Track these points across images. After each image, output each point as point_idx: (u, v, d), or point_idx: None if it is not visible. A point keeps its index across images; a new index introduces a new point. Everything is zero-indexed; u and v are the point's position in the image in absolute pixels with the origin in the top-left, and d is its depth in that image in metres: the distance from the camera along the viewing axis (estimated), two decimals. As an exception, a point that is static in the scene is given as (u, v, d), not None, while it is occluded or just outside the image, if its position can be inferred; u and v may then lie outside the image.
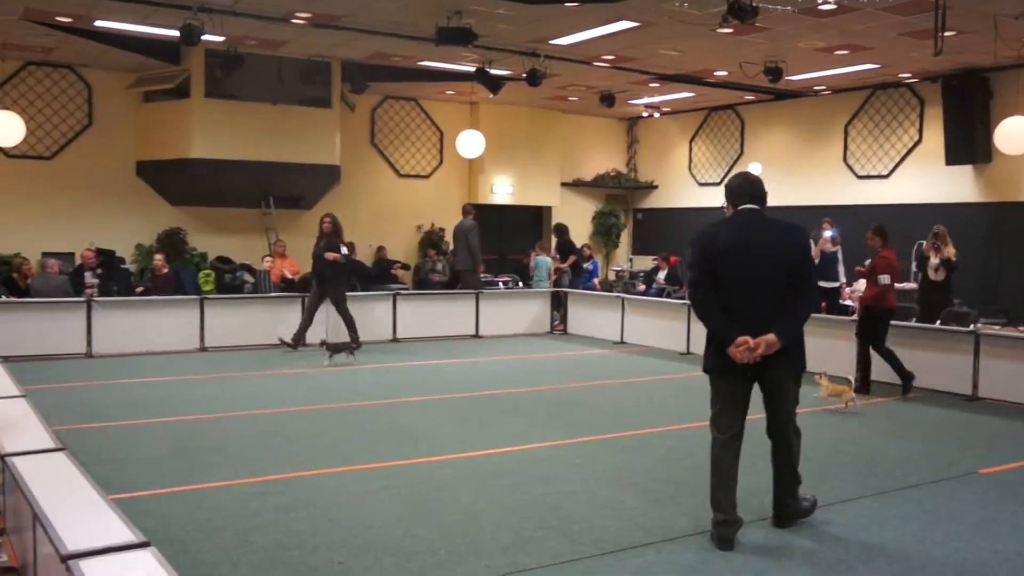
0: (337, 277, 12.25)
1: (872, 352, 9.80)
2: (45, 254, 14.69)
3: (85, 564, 2.49)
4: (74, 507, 3.05)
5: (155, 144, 15.43)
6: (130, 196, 15.67)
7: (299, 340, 12.35)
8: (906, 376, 9.65)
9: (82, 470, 3.51)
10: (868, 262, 9.87)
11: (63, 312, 11.71)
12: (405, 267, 17.44)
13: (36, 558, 3.07)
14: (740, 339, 4.82)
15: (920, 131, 15.74)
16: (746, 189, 5.09)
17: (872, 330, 9.70)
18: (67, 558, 2.52)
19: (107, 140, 15.52)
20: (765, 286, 4.87)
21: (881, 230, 9.84)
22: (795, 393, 5.11)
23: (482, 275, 15.74)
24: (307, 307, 12.46)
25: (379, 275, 16.98)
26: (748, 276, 4.86)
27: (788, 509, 5.26)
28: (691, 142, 20.06)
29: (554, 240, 17.32)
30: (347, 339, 11.88)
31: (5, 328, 11.17)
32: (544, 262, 16.05)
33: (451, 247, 15.19)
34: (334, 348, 11.28)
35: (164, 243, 15.72)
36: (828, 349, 10.50)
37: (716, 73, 15.25)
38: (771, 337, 4.81)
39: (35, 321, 11.47)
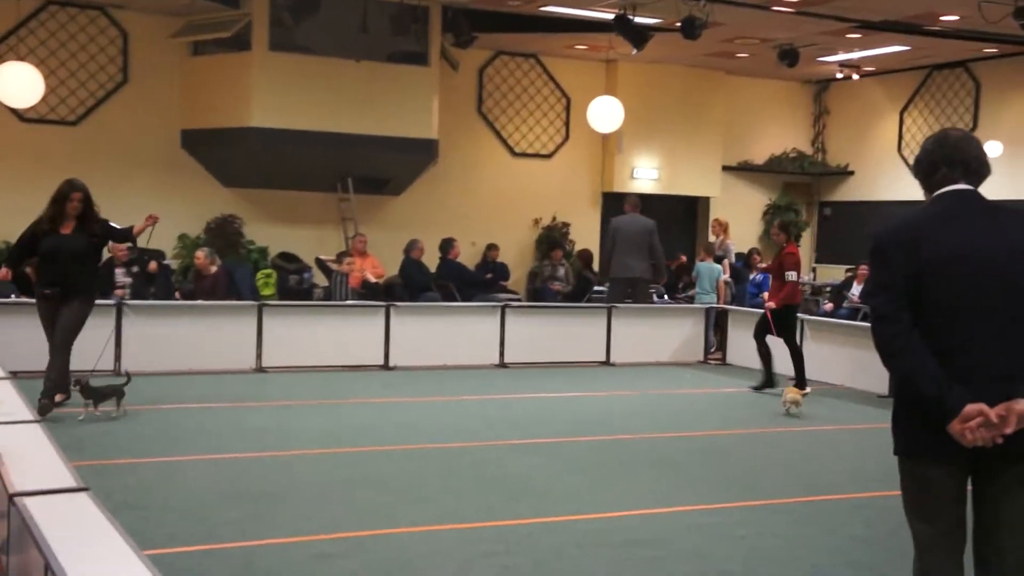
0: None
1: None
2: (67, 245, 15.26)
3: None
4: (98, 563, 3.09)
5: (205, 109, 15.90)
6: (173, 174, 16.18)
7: None
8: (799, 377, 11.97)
9: (109, 516, 3.57)
10: (773, 259, 12.20)
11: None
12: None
13: (49, 625, 3.12)
14: (971, 408, 3.78)
15: None
16: (951, 156, 4.14)
17: (781, 327, 12.20)
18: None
19: (145, 102, 16.08)
20: (1003, 316, 3.93)
21: (786, 225, 12.07)
22: None
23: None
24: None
25: (484, 282, 17.08)
26: (975, 301, 3.94)
27: None
28: (902, 112, 19.57)
29: (714, 239, 17.13)
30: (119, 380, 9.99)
31: (15, 337, 11.57)
32: (709, 269, 15.83)
33: (609, 247, 15.10)
34: (96, 393, 9.52)
35: (214, 234, 16.17)
36: None
37: (943, 18, 14.85)
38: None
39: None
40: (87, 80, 15.82)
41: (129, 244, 11.81)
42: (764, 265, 13.46)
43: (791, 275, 12.14)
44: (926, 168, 4.18)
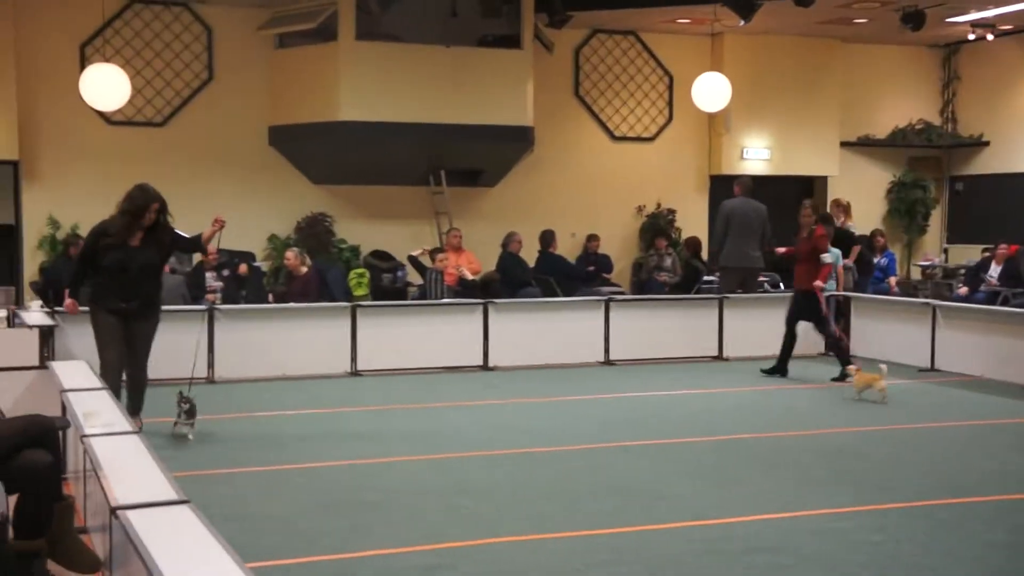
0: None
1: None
2: (157, 249, 15.69)
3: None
4: (203, 576, 3.25)
5: (292, 104, 16.22)
6: (261, 172, 16.55)
7: None
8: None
9: (211, 529, 3.73)
10: (803, 242, 12.77)
11: (178, 322, 12.47)
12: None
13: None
14: None
15: None
16: None
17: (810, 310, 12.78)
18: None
19: (231, 99, 16.47)
20: None
21: (816, 207, 12.99)
22: None
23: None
24: None
25: (586, 275, 17.12)
26: None
27: None
28: (1046, 75, 19.11)
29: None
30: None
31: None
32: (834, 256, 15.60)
33: (722, 233, 14.98)
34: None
35: (305, 234, 16.48)
36: None
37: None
38: None
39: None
40: (172, 79, 16.25)
41: (211, 251, 11.99)
42: (783, 250, 13.83)
43: (827, 257, 12.70)
44: None
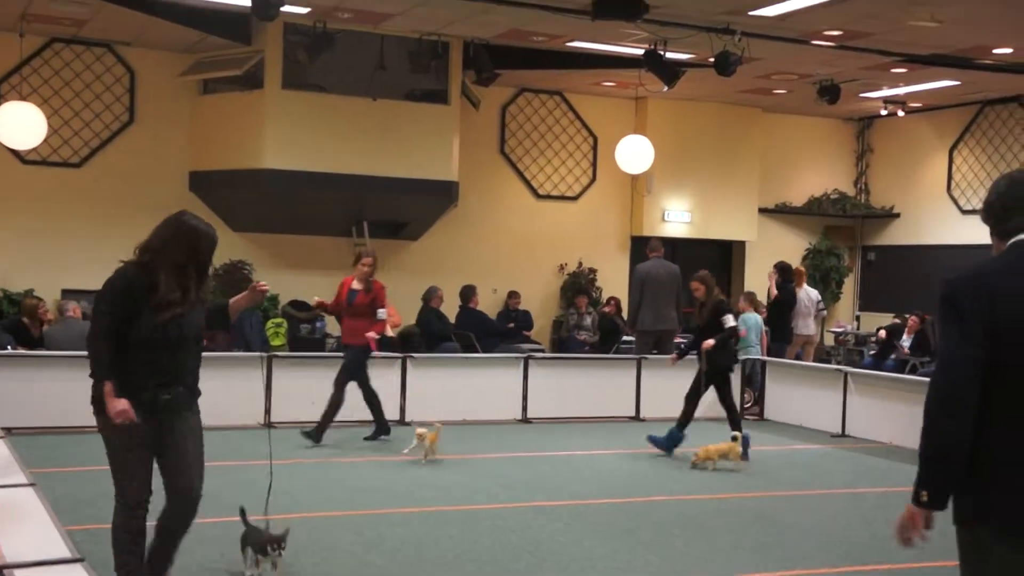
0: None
1: None
2: (66, 292, 15.35)
3: None
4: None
5: (215, 150, 16.02)
6: (180, 218, 16.26)
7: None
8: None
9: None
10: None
11: (84, 370, 12.12)
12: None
13: None
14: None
15: None
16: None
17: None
18: None
19: (153, 143, 16.22)
20: None
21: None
22: None
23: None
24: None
25: (506, 332, 17.05)
26: None
27: None
28: (952, 151, 19.53)
29: (768, 284, 16.89)
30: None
31: (12, 389, 11.63)
32: (756, 321, 15.62)
33: (637, 297, 14.99)
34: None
35: (222, 281, 16.21)
36: None
37: (996, 51, 14.84)
38: None
39: (49, 381, 11.91)
40: (92, 120, 15.97)
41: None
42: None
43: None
44: (998, 212, 3.97)
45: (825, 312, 17.79)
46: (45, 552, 4.02)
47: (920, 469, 3.91)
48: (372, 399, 11.94)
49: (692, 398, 11.88)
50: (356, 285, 11.77)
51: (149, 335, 5.66)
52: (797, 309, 16.48)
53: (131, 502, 5.82)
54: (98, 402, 5.71)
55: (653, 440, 11.93)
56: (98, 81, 15.99)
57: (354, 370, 11.78)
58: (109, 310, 5.75)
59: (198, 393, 6.04)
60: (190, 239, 5.86)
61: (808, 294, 16.79)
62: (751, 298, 16.10)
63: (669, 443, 11.80)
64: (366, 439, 11.90)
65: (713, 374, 11.78)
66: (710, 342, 11.55)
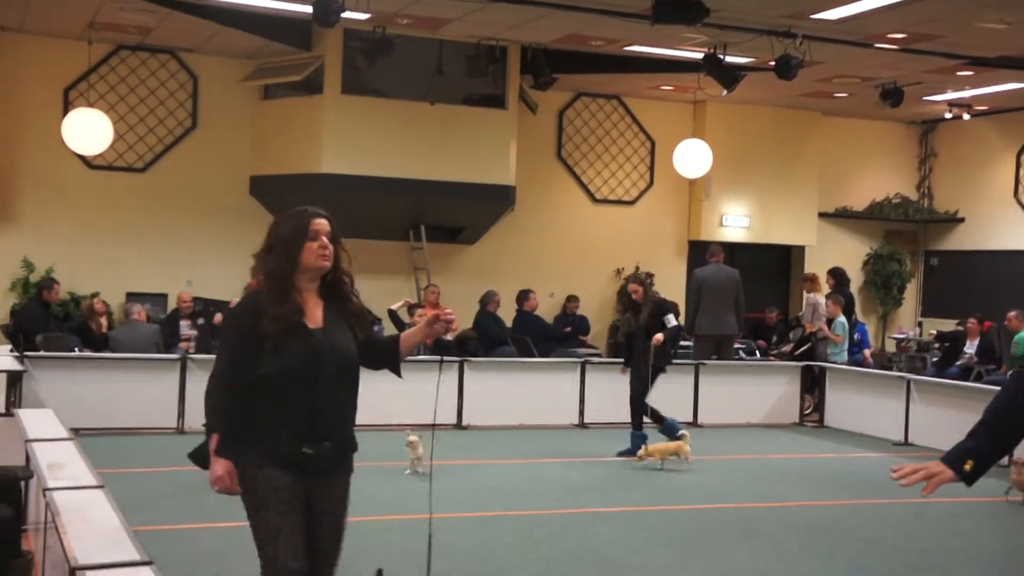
0: None
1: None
2: (130, 296, 15.57)
3: None
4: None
5: (275, 154, 16.15)
6: (241, 222, 16.39)
7: None
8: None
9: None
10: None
11: (150, 372, 12.31)
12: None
13: None
14: None
15: None
16: None
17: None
18: None
19: (214, 148, 16.38)
20: None
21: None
22: None
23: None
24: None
25: (563, 336, 17.04)
26: None
27: None
28: (1020, 155, 19.29)
29: (822, 293, 16.76)
30: None
31: (78, 391, 11.79)
32: (842, 324, 15.39)
33: (695, 301, 14.95)
34: None
35: (281, 285, 16.34)
36: None
37: (1067, 51, 14.63)
38: None
39: (115, 382, 12.08)
40: (156, 126, 16.16)
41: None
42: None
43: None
44: None
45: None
46: (114, 554, 4.07)
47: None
48: None
49: (640, 399, 11.76)
50: None
51: (276, 372, 4.35)
52: (818, 315, 16.39)
53: (284, 571, 4.38)
54: (253, 457, 4.46)
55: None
56: (162, 87, 16.18)
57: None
58: (228, 347, 4.54)
59: (352, 447, 4.59)
60: (273, 232, 4.64)
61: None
62: (839, 300, 15.71)
63: (672, 433, 11.64)
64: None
65: (654, 372, 11.66)
66: (660, 336, 11.40)
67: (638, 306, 11.78)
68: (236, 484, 4.39)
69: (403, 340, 4.74)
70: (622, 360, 12.15)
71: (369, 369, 4.66)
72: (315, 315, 4.45)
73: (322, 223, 4.63)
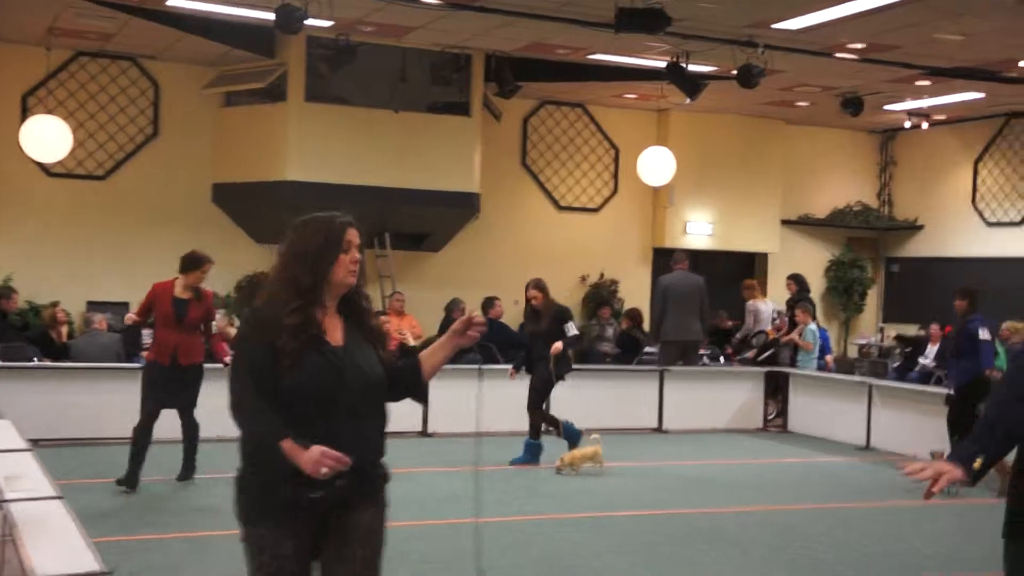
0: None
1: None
2: (91, 304, 15.41)
3: None
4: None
5: (238, 162, 16.07)
6: (203, 230, 16.28)
7: None
8: None
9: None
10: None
11: (111, 381, 12.18)
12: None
13: None
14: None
15: None
16: None
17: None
18: None
19: (176, 156, 16.27)
20: None
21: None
22: None
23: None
24: None
25: (527, 343, 16.99)
26: None
27: None
28: (977, 163, 19.44)
29: (762, 300, 16.89)
30: None
31: (38, 401, 11.68)
32: (812, 331, 15.38)
33: (660, 308, 14.96)
34: None
35: (244, 293, 16.25)
36: None
37: (1022, 64, 14.77)
38: None
39: (75, 393, 11.97)
40: (116, 133, 16.04)
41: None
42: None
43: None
44: None
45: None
46: (73, 565, 4.02)
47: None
48: None
49: (537, 407, 11.74)
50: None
51: (294, 387, 3.94)
52: (759, 321, 16.59)
53: None
54: (245, 504, 4.03)
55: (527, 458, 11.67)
56: (123, 94, 16.05)
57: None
58: (243, 363, 4.04)
59: (380, 476, 4.18)
60: (303, 238, 4.13)
61: (768, 306, 16.88)
62: (806, 306, 15.71)
63: (574, 437, 11.57)
64: None
65: (554, 379, 11.58)
66: (559, 345, 11.35)
67: (537, 312, 11.65)
68: (333, 455, 3.78)
69: (425, 361, 4.26)
70: (590, 367, 12.15)
71: (390, 402, 4.20)
72: (335, 333, 4.07)
73: (355, 234, 4.15)
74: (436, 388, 12.26)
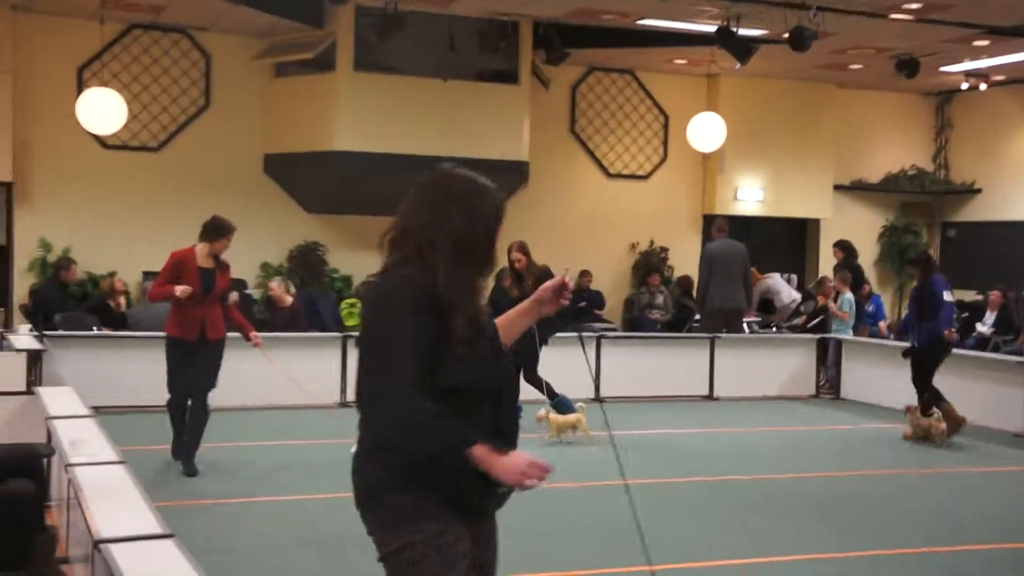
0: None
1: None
2: (146, 275, 15.61)
3: None
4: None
5: (288, 132, 16.19)
6: (255, 200, 16.47)
7: None
8: None
9: (195, 564, 3.65)
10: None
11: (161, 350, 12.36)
12: None
13: None
14: None
15: None
16: None
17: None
18: None
19: (227, 126, 16.41)
20: None
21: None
22: None
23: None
24: None
25: (577, 311, 17.04)
26: None
27: None
28: (1037, 125, 19.19)
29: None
30: None
31: (97, 369, 11.89)
32: (848, 300, 15.30)
33: (706, 277, 14.97)
34: None
35: (296, 263, 16.41)
36: None
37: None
38: None
39: (134, 361, 12.15)
40: (169, 105, 16.19)
41: None
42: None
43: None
44: None
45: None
46: (136, 528, 4.14)
47: None
48: None
49: (533, 375, 11.54)
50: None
51: (456, 382, 3.38)
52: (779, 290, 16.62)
53: None
54: (390, 507, 3.60)
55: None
56: (175, 66, 16.20)
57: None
58: (410, 350, 3.34)
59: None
60: (471, 201, 3.73)
61: (774, 278, 16.94)
62: (847, 277, 15.61)
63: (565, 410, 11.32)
64: None
65: (538, 344, 11.34)
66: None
67: (521, 276, 11.44)
68: (542, 465, 3.28)
69: (503, 330, 3.77)
70: (640, 334, 12.15)
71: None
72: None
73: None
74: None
